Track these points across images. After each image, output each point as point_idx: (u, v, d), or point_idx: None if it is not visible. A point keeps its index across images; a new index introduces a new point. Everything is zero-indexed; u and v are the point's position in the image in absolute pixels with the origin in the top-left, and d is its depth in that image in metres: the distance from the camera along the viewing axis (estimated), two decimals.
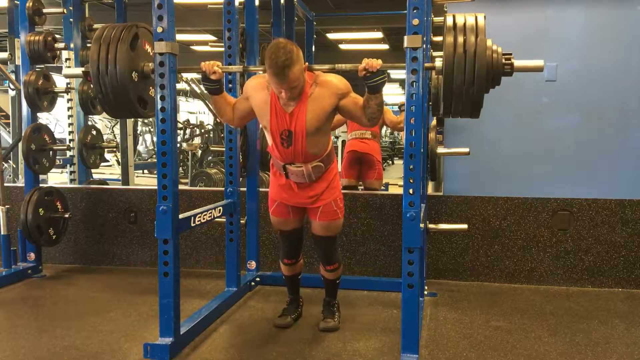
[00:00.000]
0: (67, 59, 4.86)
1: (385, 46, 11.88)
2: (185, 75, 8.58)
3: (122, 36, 2.63)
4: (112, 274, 4.07)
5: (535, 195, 3.72)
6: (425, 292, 3.46)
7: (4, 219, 3.89)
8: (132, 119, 7.03)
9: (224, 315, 3.14)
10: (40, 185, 3.97)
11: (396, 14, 7.81)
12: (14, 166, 6.02)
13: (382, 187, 5.44)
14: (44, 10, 3.93)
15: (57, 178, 7.37)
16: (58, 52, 4.00)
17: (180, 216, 2.66)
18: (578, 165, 3.70)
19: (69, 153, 5.05)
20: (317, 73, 2.67)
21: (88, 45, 5.01)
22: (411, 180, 2.37)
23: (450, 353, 2.66)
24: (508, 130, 3.78)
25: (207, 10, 4.27)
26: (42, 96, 3.89)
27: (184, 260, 4.00)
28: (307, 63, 2.57)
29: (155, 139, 8.74)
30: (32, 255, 3.95)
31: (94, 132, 4.87)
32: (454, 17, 2.41)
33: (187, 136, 10.49)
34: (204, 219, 2.92)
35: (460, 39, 2.33)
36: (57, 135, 4.50)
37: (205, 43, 11.43)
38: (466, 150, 3.31)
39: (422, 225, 2.45)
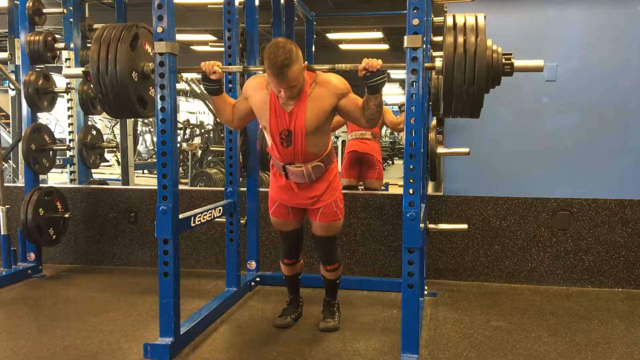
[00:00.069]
0: (67, 59, 4.87)
1: (385, 46, 11.89)
2: (185, 75, 8.59)
3: (122, 36, 2.63)
4: (112, 274, 4.07)
5: (535, 195, 3.72)
6: (425, 292, 3.46)
7: (4, 219, 3.89)
8: (132, 119, 7.03)
9: (224, 315, 3.14)
10: (40, 185, 3.97)
11: (396, 14, 7.82)
12: (14, 166, 6.02)
13: (382, 187, 5.43)
14: (44, 10, 3.93)
15: (57, 178, 7.37)
16: (58, 52, 4.00)
17: (180, 216, 2.66)
18: (578, 165, 3.70)
19: (69, 153, 5.05)
20: (317, 73, 2.66)
21: (88, 45, 5.01)
22: (411, 180, 2.37)
23: (450, 353, 2.66)
24: (508, 130, 3.78)
25: (207, 10, 4.27)
26: (42, 96, 3.89)
27: (184, 260, 4.00)
28: (306, 62, 2.57)
29: (155, 139, 8.74)
30: (32, 255, 3.95)
31: (94, 132, 4.87)
32: (454, 17, 2.41)
33: (187, 136, 10.49)
34: (204, 219, 2.92)
35: (460, 39, 2.33)
36: (57, 135, 4.50)
37: (205, 43, 11.43)
38: (466, 150, 3.31)
39: (422, 225, 2.45)
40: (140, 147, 11.70)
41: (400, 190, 3.24)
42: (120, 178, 6.59)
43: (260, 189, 3.65)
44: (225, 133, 3.43)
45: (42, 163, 3.94)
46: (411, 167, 2.37)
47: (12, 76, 5.15)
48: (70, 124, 5.02)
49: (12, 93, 5.88)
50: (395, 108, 6.94)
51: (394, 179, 8.81)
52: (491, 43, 2.38)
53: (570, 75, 3.66)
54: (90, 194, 4.31)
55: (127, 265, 4.24)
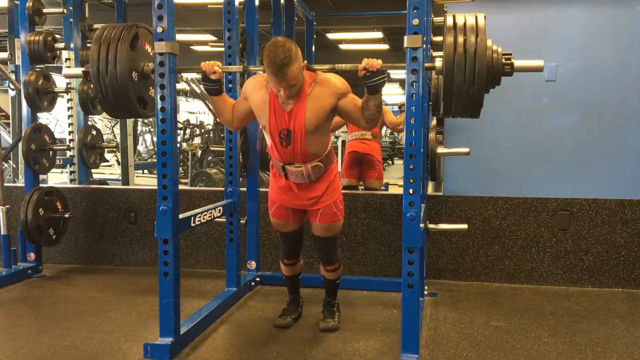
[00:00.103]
0: (67, 59, 4.87)
1: (385, 46, 11.89)
2: (185, 75, 8.59)
3: (122, 36, 2.63)
4: (112, 274, 4.07)
5: (535, 195, 3.72)
6: (425, 292, 3.46)
7: (4, 219, 3.89)
8: (132, 119, 7.03)
9: (224, 315, 3.14)
10: (40, 185, 3.96)
11: (396, 14, 7.81)
12: (14, 166, 6.02)
13: (382, 187, 5.44)
14: (44, 10, 3.93)
15: (57, 178, 7.37)
16: (58, 52, 4.00)
17: (180, 216, 2.66)
18: (578, 165, 3.70)
19: (69, 153, 5.05)
20: (317, 72, 2.66)
21: (88, 45, 5.01)
22: (411, 180, 2.37)
23: (450, 353, 2.65)
24: (508, 130, 3.78)
25: (207, 10, 4.27)
26: (42, 96, 3.89)
27: (184, 260, 4.00)
28: (305, 61, 2.57)
29: (155, 139, 8.74)
30: (32, 255, 3.95)
31: (94, 132, 4.87)
32: (454, 17, 2.41)
33: (187, 136, 10.49)
34: (204, 219, 2.92)
35: (461, 39, 2.33)
36: (57, 135, 4.50)
37: (205, 43, 11.43)
38: (466, 150, 3.31)
39: (422, 225, 2.44)
40: (140, 147, 11.70)
41: (400, 190, 3.24)
42: (120, 178, 6.59)
43: (260, 189, 3.65)
44: (225, 133, 3.43)
45: (42, 163, 3.95)
46: (411, 167, 2.37)
47: (12, 76, 5.15)
48: (70, 124, 5.02)
49: (12, 93, 5.88)
50: (395, 108, 6.94)
51: (394, 179, 8.81)
52: (491, 43, 2.38)
53: (570, 75, 3.66)
54: (90, 194, 4.31)
55: (127, 265, 4.24)
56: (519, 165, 3.78)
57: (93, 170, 5.33)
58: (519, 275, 3.77)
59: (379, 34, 10.60)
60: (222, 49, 3.40)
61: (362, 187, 5.11)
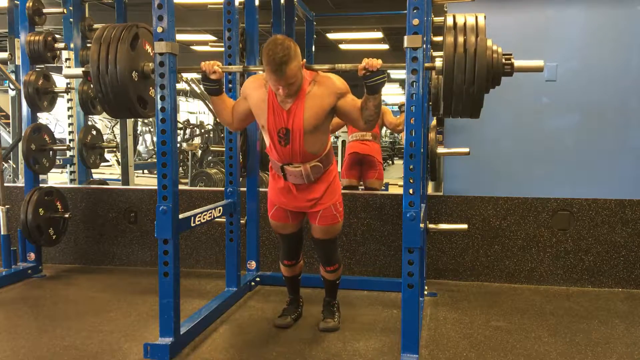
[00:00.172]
0: (67, 59, 4.87)
1: (385, 46, 11.89)
2: (185, 75, 8.60)
3: (122, 36, 2.63)
4: (112, 274, 4.07)
5: (535, 195, 3.72)
6: (425, 292, 3.46)
7: (4, 219, 3.89)
8: (132, 119, 7.03)
9: (224, 315, 3.14)
10: (40, 185, 3.96)
11: (396, 14, 7.82)
12: (14, 166, 6.02)
13: (382, 188, 5.44)
14: (44, 10, 3.93)
15: (57, 178, 7.37)
16: (58, 52, 4.00)
17: (180, 216, 2.66)
18: (578, 165, 3.70)
19: (69, 153, 5.05)
20: (317, 72, 2.66)
21: (88, 45, 5.01)
22: (411, 180, 2.37)
23: (450, 353, 2.65)
24: (508, 130, 3.78)
25: (207, 10, 4.27)
26: (42, 96, 3.89)
27: (184, 260, 4.00)
28: (304, 60, 2.56)
29: (155, 139, 8.74)
30: (32, 255, 3.95)
31: (94, 132, 4.87)
32: (454, 17, 2.41)
33: (187, 136, 10.49)
34: (204, 219, 2.92)
35: (461, 39, 2.33)
36: (57, 135, 4.50)
37: (205, 43, 11.43)
38: (466, 150, 3.31)
39: (422, 225, 2.44)
40: (140, 147, 11.70)
41: (400, 190, 3.24)
42: (120, 178, 6.59)
43: (260, 189, 3.65)
44: (225, 133, 3.43)
45: (42, 163, 3.94)
46: (411, 167, 2.37)
47: (12, 76, 5.15)
48: (70, 124, 5.02)
49: (12, 93, 5.87)
50: (395, 108, 6.95)
51: (394, 179, 8.80)
52: (491, 43, 2.38)
53: (570, 75, 3.66)
54: (90, 194, 4.31)
55: (127, 265, 4.24)
56: (519, 165, 3.78)
57: (93, 170, 5.33)
58: (519, 275, 3.77)
59: (379, 34, 10.60)
60: (222, 49, 3.40)
61: (362, 187, 5.11)
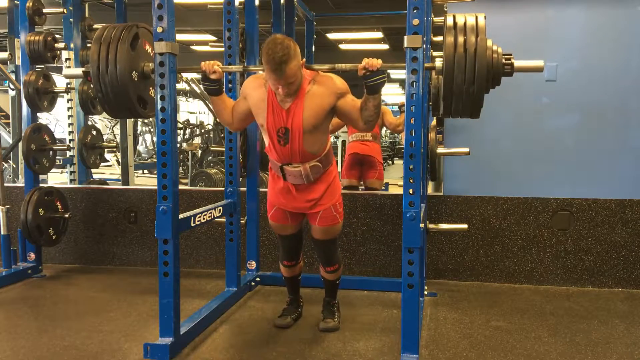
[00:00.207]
0: (67, 59, 4.86)
1: (385, 46, 11.88)
2: (185, 75, 8.59)
3: (122, 36, 2.63)
4: (112, 274, 4.07)
5: (535, 195, 3.72)
6: (425, 292, 3.46)
7: (4, 219, 3.89)
8: (132, 119, 7.03)
9: (224, 315, 3.14)
10: (40, 185, 3.96)
11: (396, 14, 7.81)
12: (14, 166, 6.02)
13: (382, 188, 5.44)
14: (44, 10, 3.93)
15: (57, 178, 7.37)
16: (58, 52, 4.00)
17: (180, 216, 2.66)
18: (578, 165, 3.70)
19: (69, 153, 5.05)
20: (317, 72, 2.65)
21: (88, 45, 5.01)
22: (411, 180, 2.37)
23: (450, 353, 2.65)
24: (508, 130, 3.78)
25: (207, 10, 4.27)
26: (42, 96, 3.89)
27: (184, 260, 4.00)
28: (304, 59, 2.56)
29: (155, 139, 8.74)
30: (32, 255, 3.95)
31: (94, 132, 4.87)
32: (454, 17, 2.41)
33: (187, 136, 10.49)
34: (204, 219, 2.92)
35: (461, 39, 2.33)
36: (57, 135, 4.50)
37: (205, 43, 11.43)
38: (466, 150, 3.31)
39: (422, 225, 2.44)
40: (140, 147, 11.70)
41: (400, 190, 3.24)
42: (120, 178, 6.59)
43: (260, 189, 3.65)
44: (225, 133, 3.43)
45: (42, 163, 3.94)
46: (411, 167, 2.37)
47: (12, 76, 5.14)
48: (70, 124, 5.02)
49: (12, 93, 5.87)
50: (395, 108, 6.95)
51: (394, 179, 8.80)
52: (491, 43, 2.37)
53: (570, 75, 3.66)
54: (90, 194, 4.31)
55: (127, 265, 4.24)
56: (519, 165, 3.78)
57: (93, 170, 5.33)
58: (519, 275, 3.77)
59: (379, 34, 10.59)
60: (222, 49, 3.40)
61: (363, 187, 5.11)
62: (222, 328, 2.98)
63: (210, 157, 8.65)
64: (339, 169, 4.13)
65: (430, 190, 4.10)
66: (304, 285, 3.20)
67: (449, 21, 2.39)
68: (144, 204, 4.20)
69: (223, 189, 3.51)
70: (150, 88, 2.80)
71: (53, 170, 4.29)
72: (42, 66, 4.05)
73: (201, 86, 8.20)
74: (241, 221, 3.48)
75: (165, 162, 2.55)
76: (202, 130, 11.09)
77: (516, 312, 3.25)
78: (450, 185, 3.84)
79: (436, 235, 3.79)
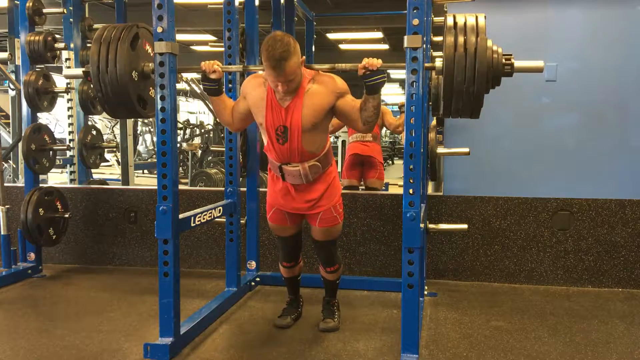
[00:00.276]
0: (67, 59, 4.86)
1: (385, 46, 11.88)
2: (185, 75, 8.57)
3: (122, 36, 2.63)
4: (112, 274, 4.07)
5: (535, 195, 3.72)
6: (425, 292, 3.46)
7: (4, 219, 3.89)
8: (132, 119, 7.03)
9: (224, 315, 3.14)
10: (40, 185, 3.96)
11: (396, 14, 7.82)
12: (14, 166, 6.02)
13: (383, 188, 5.45)
14: (44, 10, 3.92)
15: (57, 178, 7.37)
16: (58, 52, 3.99)
17: (180, 216, 2.66)
18: (578, 165, 3.70)
19: (69, 153, 5.05)
20: (317, 71, 2.65)
21: (88, 45, 5.01)
22: (411, 180, 2.37)
23: (450, 353, 2.66)
24: (508, 130, 3.78)
25: (207, 10, 4.28)
26: (42, 96, 3.89)
27: (184, 260, 4.00)
28: (304, 57, 2.56)
29: (155, 139, 8.74)
30: (32, 255, 3.95)
31: (94, 132, 4.87)
32: (454, 17, 2.41)
33: (187, 136, 10.49)
34: (204, 219, 2.92)
35: (461, 39, 2.32)
36: (57, 135, 4.50)
37: (205, 43, 11.43)
38: (466, 150, 3.31)
39: (422, 225, 2.44)
40: (140, 147, 11.70)
41: (400, 190, 3.24)
42: (120, 178, 6.59)
43: (260, 189, 3.65)
44: (225, 133, 3.43)
45: (42, 163, 3.94)
46: (411, 167, 2.37)
47: (12, 76, 5.14)
48: (70, 124, 5.02)
49: (12, 93, 5.86)
50: (395, 108, 6.94)
51: (394, 179, 8.80)
52: (491, 43, 2.37)
53: (570, 75, 3.66)
54: (90, 194, 4.31)
55: (127, 265, 4.24)
56: (519, 165, 3.78)
57: (93, 170, 5.33)
58: (519, 275, 3.77)
59: (379, 34, 10.60)
60: (222, 49, 3.40)
61: (363, 187, 5.12)
62: (222, 328, 2.98)
63: (210, 157, 8.65)
64: (339, 169, 4.13)
65: (430, 190, 4.10)
66: (304, 285, 3.20)
67: (449, 21, 2.39)
68: (144, 204, 4.20)
69: (223, 189, 3.51)
70: (150, 88, 2.80)
71: (53, 170, 4.29)
72: (42, 66, 4.04)
73: (201, 86, 8.21)
74: (241, 221, 3.48)
75: (165, 162, 2.55)
76: (202, 130, 11.09)
77: (516, 312, 3.25)
78: (450, 185, 3.84)
79: (436, 235, 3.79)
